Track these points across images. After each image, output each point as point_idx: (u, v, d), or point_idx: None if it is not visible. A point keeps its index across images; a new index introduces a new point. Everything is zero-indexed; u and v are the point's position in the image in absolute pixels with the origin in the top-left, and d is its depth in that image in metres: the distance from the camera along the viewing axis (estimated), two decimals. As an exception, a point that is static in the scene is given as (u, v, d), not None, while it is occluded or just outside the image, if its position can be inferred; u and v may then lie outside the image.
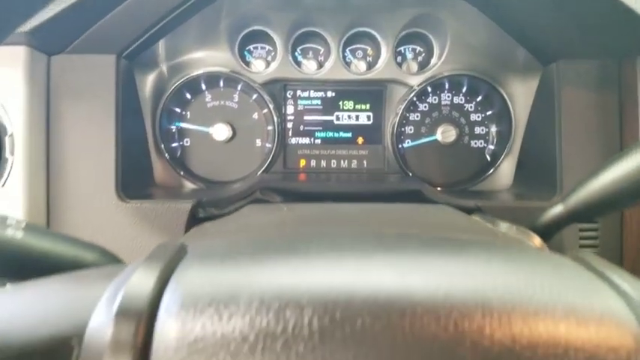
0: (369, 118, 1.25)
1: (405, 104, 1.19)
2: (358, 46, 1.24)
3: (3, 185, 0.87)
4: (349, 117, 1.25)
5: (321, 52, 1.24)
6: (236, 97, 1.21)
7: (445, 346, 0.31)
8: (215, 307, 0.32)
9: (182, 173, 1.18)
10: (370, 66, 1.23)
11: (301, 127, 1.25)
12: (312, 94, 1.24)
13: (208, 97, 1.21)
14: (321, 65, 1.22)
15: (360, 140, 1.25)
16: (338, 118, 1.25)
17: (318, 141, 1.25)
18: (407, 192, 1.01)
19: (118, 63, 0.96)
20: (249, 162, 1.21)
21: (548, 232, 0.71)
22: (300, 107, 1.25)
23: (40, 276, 0.42)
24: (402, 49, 1.24)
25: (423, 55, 1.24)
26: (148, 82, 1.15)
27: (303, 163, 1.25)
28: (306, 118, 1.25)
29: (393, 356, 0.31)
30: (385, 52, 1.20)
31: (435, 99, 1.23)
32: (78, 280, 0.41)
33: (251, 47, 1.23)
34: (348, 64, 1.22)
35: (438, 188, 1.18)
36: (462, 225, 0.67)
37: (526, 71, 1.15)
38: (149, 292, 0.34)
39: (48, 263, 0.51)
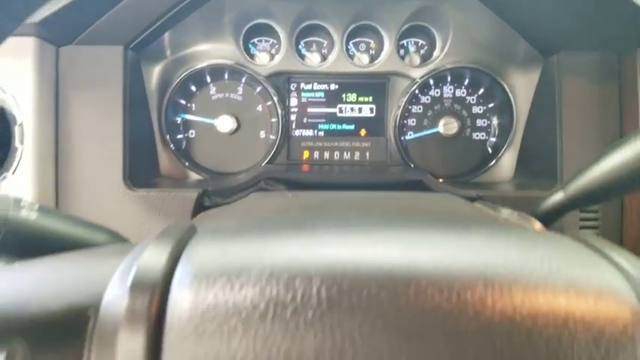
0: (371, 110, 1.26)
1: (407, 97, 1.20)
2: (361, 39, 1.25)
3: (13, 173, 0.88)
4: (352, 109, 1.26)
5: (324, 45, 1.25)
6: (240, 90, 1.23)
7: (448, 315, 0.32)
8: (227, 278, 0.34)
9: (187, 164, 1.20)
10: (373, 59, 1.24)
11: (305, 120, 1.26)
12: (316, 86, 1.26)
13: (213, 89, 1.22)
14: (324, 58, 1.23)
15: (363, 132, 1.26)
16: (341, 111, 1.26)
17: (322, 133, 1.27)
18: (409, 182, 1.02)
19: (126, 54, 0.97)
20: (254, 153, 1.23)
21: (549, 219, 0.73)
22: (303, 100, 1.26)
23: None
24: (404, 42, 1.25)
25: (426, 48, 1.25)
26: (154, 74, 1.17)
27: (306, 154, 1.26)
28: (309, 110, 1.26)
29: (398, 324, 0.32)
30: (388, 45, 1.22)
31: (437, 91, 1.24)
32: (92, 256, 0.43)
33: (255, 40, 1.24)
34: (351, 56, 1.23)
35: (440, 180, 1.20)
36: (463, 210, 0.68)
37: (527, 64, 1.16)
38: (162, 266, 0.36)
39: (60, 244, 0.52)
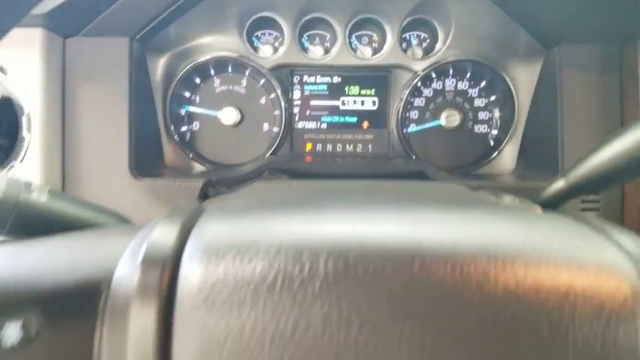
0: (374, 103, 1.27)
1: (409, 89, 1.21)
2: (364, 32, 1.26)
3: (21, 162, 0.89)
4: (355, 102, 1.27)
5: (327, 39, 1.26)
6: (244, 82, 1.24)
7: (452, 288, 0.33)
8: (236, 252, 0.35)
9: (191, 156, 1.21)
10: (375, 52, 1.25)
11: (308, 112, 1.27)
12: (319, 79, 1.27)
13: (217, 81, 1.23)
14: (327, 51, 1.24)
15: (366, 125, 1.27)
16: (344, 103, 1.27)
17: (324, 125, 1.27)
18: (412, 173, 1.03)
19: (131, 46, 0.98)
20: (257, 146, 1.24)
21: (550, 206, 0.73)
22: (306, 92, 1.27)
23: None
24: (407, 35, 1.26)
25: (428, 41, 1.26)
26: (159, 67, 1.18)
27: (309, 147, 1.27)
28: (312, 103, 1.27)
29: (403, 296, 0.33)
30: (390, 38, 1.22)
31: (439, 84, 1.25)
32: (103, 235, 0.44)
33: (259, 33, 1.25)
34: (354, 49, 1.24)
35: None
36: (466, 195, 0.69)
37: (529, 57, 1.17)
38: (172, 242, 0.37)
39: (70, 226, 0.53)
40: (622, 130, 0.66)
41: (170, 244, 0.36)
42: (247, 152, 1.24)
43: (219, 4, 1.17)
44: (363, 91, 1.27)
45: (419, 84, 1.23)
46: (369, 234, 0.36)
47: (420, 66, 1.22)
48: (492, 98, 1.24)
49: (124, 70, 0.97)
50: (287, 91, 1.25)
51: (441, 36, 1.23)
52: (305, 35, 1.26)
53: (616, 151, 0.66)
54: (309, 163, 1.15)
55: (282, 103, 1.21)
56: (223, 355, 0.32)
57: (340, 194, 0.59)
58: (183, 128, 1.23)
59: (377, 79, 1.26)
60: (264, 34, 1.25)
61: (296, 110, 1.27)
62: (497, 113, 1.24)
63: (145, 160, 1.04)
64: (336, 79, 1.27)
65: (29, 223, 0.51)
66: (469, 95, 1.25)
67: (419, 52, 1.24)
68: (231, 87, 1.23)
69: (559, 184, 0.72)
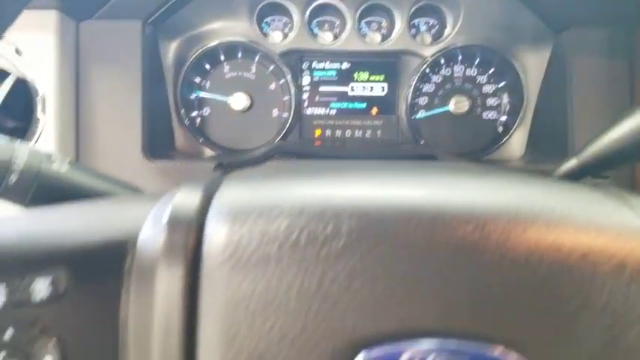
0: (383, 89, 1.27)
1: (418, 75, 1.22)
2: (373, 18, 1.26)
3: (35, 143, 0.90)
4: (364, 88, 1.27)
5: (336, 24, 1.26)
6: (254, 68, 1.24)
7: (472, 247, 0.33)
8: (259, 212, 0.35)
9: (202, 140, 1.22)
10: (384, 38, 1.25)
11: (317, 98, 1.28)
12: (328, 65, 1.27)
13: (227, 67, 1.24)
14: (336, 37, 1.25)
15: (375, 111, 1.28)
16: (353, 89, 1.27)
17: (333, 111, 1.28)
18: (421, 156, 1.04)
19: (144, 29, 0.99)
20: (266, 131, 1.24)
21: None
22: (315, 78, 1.27)
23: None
24: (415, 21, 1.26)
25: (437, 27, 1.26)
26: (170, 52, 1.18)
27: (318, 132, 1.28)
28: (321, 89, 1.27)
29: (425, 254, 0.33)
30: (399, 24, 1.23)
31: (448, 70, 1.25)
32: (127, 200, 0.45)
33: (269, 19, 1.25)
34: (363, 35, 1.24)
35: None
36: (482, 167, 0.70)
37: (538, 42, 1.17)
38: (197, 204, 0.37)
39: (90, 196, 0.54)
40: (633, 109, 0.67)
41: (194, 207, 0.37)
42: (257, 138, 1.24)
43: (230, -11, 1.17)
44: (372, 77, 1.27)
45: (427, 70, 1.23)
46: (391, 195, 0.37)
47: (428, 52, 1.22)
48: (501, 84, 1.24)
49: (136, 53, 0.98)
50: (296, 77, 1.25)
51: (449, 22, 1.23)
52: (314, 21, 1.26)
53: (627, 130, 0.66)
54: (318, 147, 1.16)
55: (292, 89, 1.22)
56: (249, 311, 0.33)
57: (358, 167, 0.60)
58: (194, 113, 1.23)
59: (386, 65, 1.27)
60: (273, 19, 1.25)
61: (305, 96, 1.27)
62: (506, 99, 1.24)
63: (157, 143, 1.05)
64: (345, 65, 1.27)
65: (50, 193, 0.52)
66: (478, 81, 1.25)
67: (428, 38, 1.24)
68: (240, 73, 1.24)
69: (571, 163, 0.73)
